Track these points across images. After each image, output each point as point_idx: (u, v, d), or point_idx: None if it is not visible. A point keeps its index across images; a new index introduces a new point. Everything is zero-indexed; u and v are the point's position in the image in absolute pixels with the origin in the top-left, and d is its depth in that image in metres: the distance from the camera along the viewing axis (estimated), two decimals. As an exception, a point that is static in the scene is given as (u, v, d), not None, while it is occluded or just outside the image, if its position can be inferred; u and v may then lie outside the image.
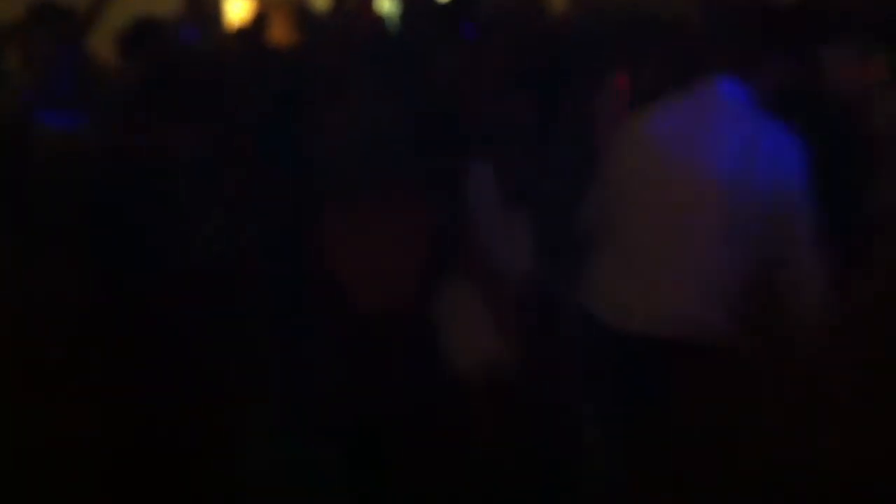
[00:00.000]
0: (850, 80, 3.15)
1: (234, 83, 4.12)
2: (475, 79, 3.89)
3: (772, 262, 2.51)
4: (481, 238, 2.55)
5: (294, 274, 2.86)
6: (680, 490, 2.02)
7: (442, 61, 4.37)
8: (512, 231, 2.67)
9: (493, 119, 3.24)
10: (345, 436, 2.63)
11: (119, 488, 2.35)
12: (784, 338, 2.49)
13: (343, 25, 7.16)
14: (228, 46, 6.76)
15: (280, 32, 8.40)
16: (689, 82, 2.78)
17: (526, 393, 2.58)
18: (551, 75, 3.96)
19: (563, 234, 2.91)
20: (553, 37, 4.87)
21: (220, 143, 3.03)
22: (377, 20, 7.87)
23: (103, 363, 2.33)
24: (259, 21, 7.72)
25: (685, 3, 4.29)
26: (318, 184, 2.82)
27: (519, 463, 2.66)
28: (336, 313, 2.50)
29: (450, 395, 2.58)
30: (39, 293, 2.40)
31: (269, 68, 4.63)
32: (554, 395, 2.62)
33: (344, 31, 6.83)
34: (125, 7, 5.78)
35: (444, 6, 6.28)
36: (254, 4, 10.11)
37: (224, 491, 2.53)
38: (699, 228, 2.54)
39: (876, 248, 2.29)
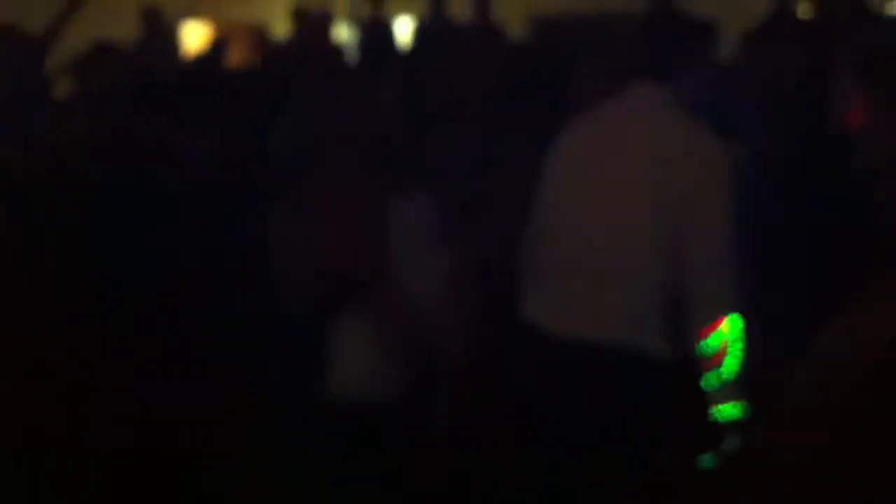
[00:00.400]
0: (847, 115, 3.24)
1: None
2: (421, 103, 3.94)
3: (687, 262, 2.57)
4: (398, 271, 2.51)
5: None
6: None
7: (392, 84, 4.44)
8: (438, 266, 2.62)
9: (439, 147, 3.30)
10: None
11: (117, 489, 2.36)
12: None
13: (300, 52, 7.20)
14: (186, 71, 6.76)
15: (238, 58, 8.44)
16: (613, 90, 2.85)
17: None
18: (507, 100, 4.00)
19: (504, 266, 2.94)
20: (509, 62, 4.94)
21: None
22: (334, 47, 7.94)
23: (102, 363, 2.35)
24: (216, 46, 7.76)
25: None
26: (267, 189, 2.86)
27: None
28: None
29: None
30: (36, 290, 2.42)
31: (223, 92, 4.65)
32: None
33: (301, 57, 6.86)
34: (81, 30, 5.79)
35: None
36: (211, 30, 10.15)
37: (223, 492, 2.55)
38: (627, 233, 2.61)
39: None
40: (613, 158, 2.66)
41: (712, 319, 2.57)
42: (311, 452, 2.83)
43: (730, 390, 2.61)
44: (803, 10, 7.24)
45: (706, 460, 2.61)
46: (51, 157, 1.09)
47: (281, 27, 8.85)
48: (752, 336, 2.61)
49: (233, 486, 2.53)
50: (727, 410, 2.62)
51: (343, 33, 9.36)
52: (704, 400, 2.64)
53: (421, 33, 7.26)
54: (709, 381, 2.60)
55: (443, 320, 2.50)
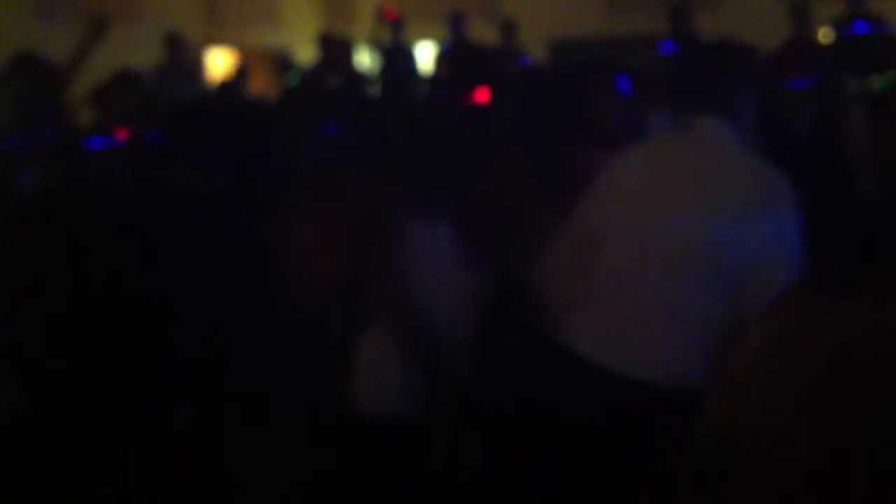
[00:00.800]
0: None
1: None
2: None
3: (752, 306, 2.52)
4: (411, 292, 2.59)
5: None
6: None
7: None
8: (455, 290, 2.70)
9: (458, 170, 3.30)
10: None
11: (118, 489, 2.42)
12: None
13: (322, 78, 7.27)
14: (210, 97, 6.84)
15: (260, 84, 8.52)
16: (668, 124, 2.81)
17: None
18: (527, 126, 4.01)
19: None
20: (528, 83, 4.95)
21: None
22: (357, 74, 8.00)
23: (102, 368, 2.45)
24: (240, 73, 7.85)
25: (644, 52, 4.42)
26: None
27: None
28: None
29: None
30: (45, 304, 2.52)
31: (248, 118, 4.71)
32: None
33: (322, 83, 6.93)
34: (105, 58, 5.87)
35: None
36: (234, 56, 10.24)
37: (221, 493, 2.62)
38: (685, 273, 2.57)
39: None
40: (677, 190, 2.59)
41: None
42: (318, 459, 2.87)
43: None
44: (823, 35, 7.20)
45: None
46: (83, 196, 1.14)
47: (304, 53, 8.91)
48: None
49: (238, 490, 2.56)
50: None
51: (366, 59, 9.43)
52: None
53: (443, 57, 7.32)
54: None
55: (453, 337, 2.57)
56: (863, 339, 0.71)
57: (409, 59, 7.78)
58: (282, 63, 7.71)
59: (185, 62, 7.70)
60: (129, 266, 2.69)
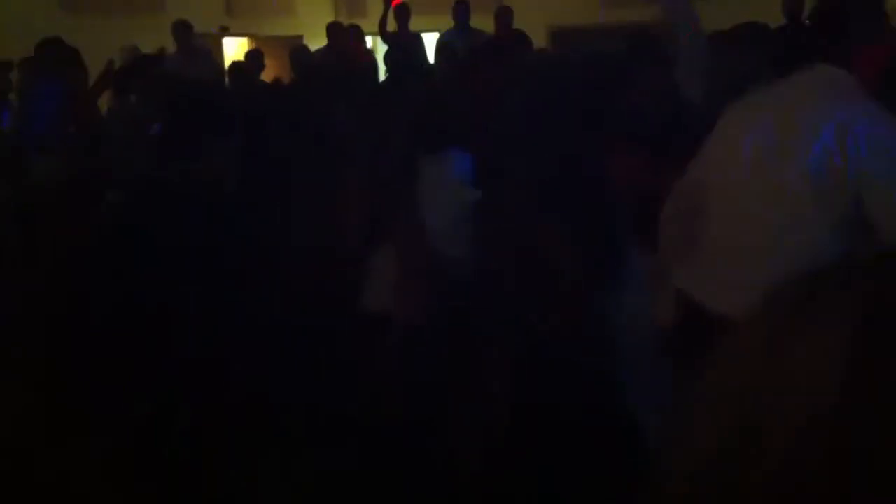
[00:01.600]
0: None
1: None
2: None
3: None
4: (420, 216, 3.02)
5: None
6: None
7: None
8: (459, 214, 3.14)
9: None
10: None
11: (119, 490, 2.59)
12: None
13: (335, 64, 7.50)
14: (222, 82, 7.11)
15: (274, 70, 8.79)
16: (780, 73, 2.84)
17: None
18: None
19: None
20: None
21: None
22: (369, 61, 8.25)
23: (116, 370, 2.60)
24: (253, 58, 8.12)
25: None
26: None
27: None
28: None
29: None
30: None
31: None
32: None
33: (335, 69, 7.15)
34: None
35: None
36: (249, 42, 10.58)
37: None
38: (794, 214, 2.58)
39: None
40: (785, 135, 2.63)
41: None
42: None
43: None
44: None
45: None
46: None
47: (317, 42, 9.21)
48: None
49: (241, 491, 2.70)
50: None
51: (378, 48, 9.69)
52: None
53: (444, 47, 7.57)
54: None
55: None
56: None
57: (416, 47, 8.04)
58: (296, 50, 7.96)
59: (197, 50, 7.94)
60: (130, 263, 2.72)
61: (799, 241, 2.55)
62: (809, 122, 2.59)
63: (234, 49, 10.55)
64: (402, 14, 8.20)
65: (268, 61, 8.37)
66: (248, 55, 8.14)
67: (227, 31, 10.65)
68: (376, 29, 8.48)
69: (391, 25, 8.31)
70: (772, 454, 0.68)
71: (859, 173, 2.50)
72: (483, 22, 7.91)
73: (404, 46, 7.78)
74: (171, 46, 7.61)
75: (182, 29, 7.77)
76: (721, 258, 2.70)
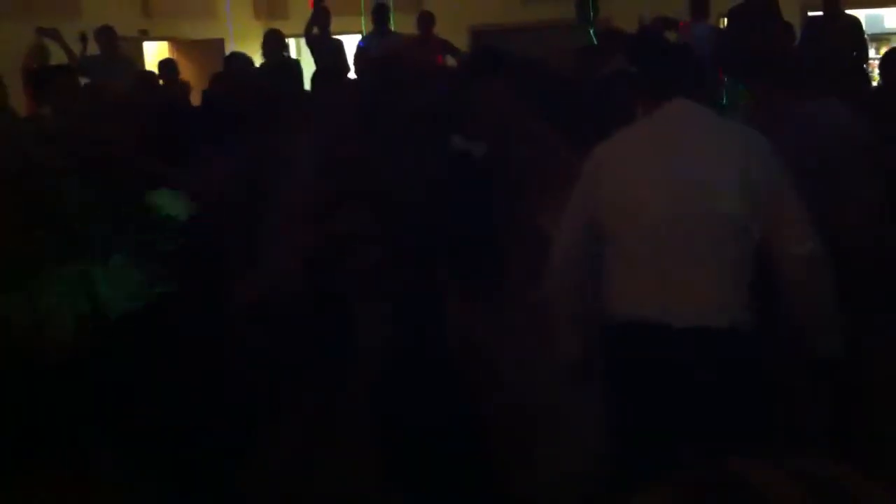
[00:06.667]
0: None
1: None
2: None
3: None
4: None
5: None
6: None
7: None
8: None
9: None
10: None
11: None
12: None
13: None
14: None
15: (195, 73, 8.76)
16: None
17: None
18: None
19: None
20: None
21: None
22: (290, 61, 8.27)
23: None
24: (165, 66, 8.05)
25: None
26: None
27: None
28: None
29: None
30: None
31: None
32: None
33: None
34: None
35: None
36: (169, 46, 10.50)
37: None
38: (712, 227, 2.81)
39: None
40: (688, 156, 2.85)
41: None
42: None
43: None
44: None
45: None
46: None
47: (239, 45, 9.20)
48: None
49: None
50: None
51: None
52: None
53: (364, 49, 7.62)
54: None
55: None
56: None
57: (335, 50, 8.07)
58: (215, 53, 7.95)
59: (119, 54, 7.91)
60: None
61: (730, 251, 2.80)
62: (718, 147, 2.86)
63: (155, 53, 10.46)
64: (319, 16, 8.17)
65: (188, 65, 8.34)
66: (161, 64, 8.12)
67: (145, 35, 10.55)
68: (297, 31, 8.47)
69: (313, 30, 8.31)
70: None
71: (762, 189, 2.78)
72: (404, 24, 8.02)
73: (323, 50, 7.82)
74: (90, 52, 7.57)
75: (106, 34, 7.74)
76: (663, 275, 2.83)
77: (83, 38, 7.53)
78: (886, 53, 5.24)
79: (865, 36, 7.62)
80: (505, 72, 4.14)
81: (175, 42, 10.70)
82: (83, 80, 6.12)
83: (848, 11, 7.48)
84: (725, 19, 7.76)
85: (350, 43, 8.48)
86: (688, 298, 2.78)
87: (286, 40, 8.43)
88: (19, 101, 7.19)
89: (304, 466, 3.19)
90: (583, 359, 2.96)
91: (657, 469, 0.78)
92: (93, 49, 7.62)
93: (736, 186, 2.77)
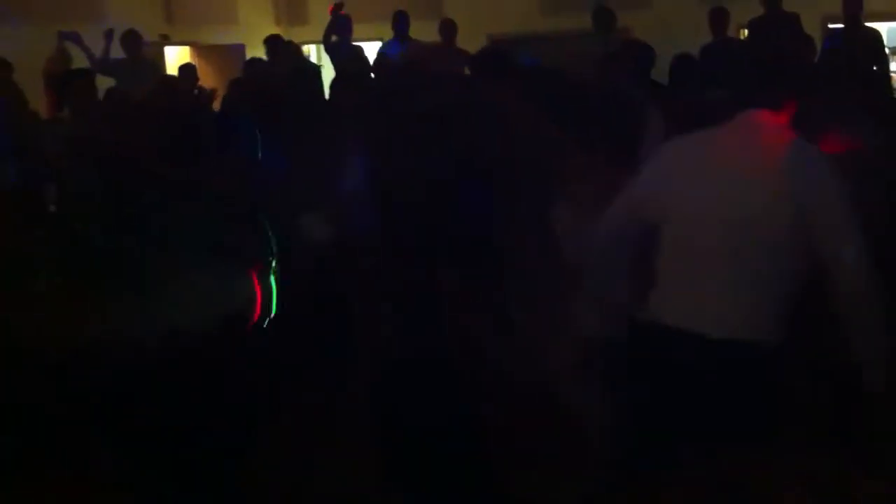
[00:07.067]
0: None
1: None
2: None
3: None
4: None
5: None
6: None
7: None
8: None
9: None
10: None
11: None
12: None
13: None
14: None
15: (214, 78, 8.81)
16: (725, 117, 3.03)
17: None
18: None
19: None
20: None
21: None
22: (310, 67, 8.29)
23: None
24: (186, 69, 8.11)
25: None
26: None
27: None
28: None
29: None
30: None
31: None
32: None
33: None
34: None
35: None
36: (191, 51, 10.57)
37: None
38: (752, 242, 2.80)
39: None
40: (741, 172, 2.84)
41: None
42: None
43: None
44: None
45: None
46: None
47: (257, 51, 9.23)
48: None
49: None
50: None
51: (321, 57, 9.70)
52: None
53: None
54: None
55: None
56: None
57: (355, 56, 8.10)
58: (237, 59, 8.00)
59: (143, 58, 7.98)
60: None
61: (770, 264, 2.79)
62: (762, 160, 2.84)
63: (176, 58, 10.53)
64: (340, 24, 8.20)
65: (209, 70, 8.38)
66: (181, 69, 8.17)
67: (167, 40, 10.62)
68: (317, 37, 8.50)
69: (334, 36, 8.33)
70: None
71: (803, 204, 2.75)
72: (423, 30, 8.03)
73: (344, 57, 7.85)
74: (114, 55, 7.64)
75: (132, 38, 7.81)
76: (698, 282, 2.86)
77: (108, 35, 7.60)
78: None
79: (886, 49, 7.58)
80: (512, 73, 4.15)
81: (196, 47, 10.75)
82: (106, 82, 6.18)
83: (868, 24, 7.46)
84: (746, 30, 7.77)
85: (369, 50, 8.51)
86: (717, 309, 2.80)
87: (301, 47, 8.46)
88: (41, 104, 7.27)
89: (304, 466, 3.22)
90: (598, 340, 2.97)
91: (670, 468, 0.79)
92: (115, 50, 7.69)
93: (780, 199, 2.76)
